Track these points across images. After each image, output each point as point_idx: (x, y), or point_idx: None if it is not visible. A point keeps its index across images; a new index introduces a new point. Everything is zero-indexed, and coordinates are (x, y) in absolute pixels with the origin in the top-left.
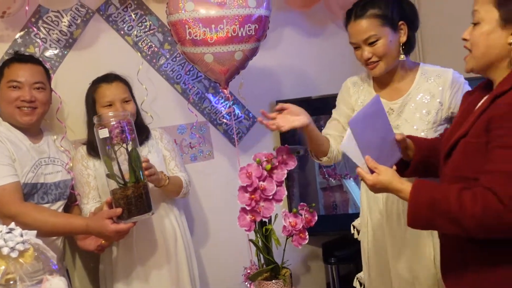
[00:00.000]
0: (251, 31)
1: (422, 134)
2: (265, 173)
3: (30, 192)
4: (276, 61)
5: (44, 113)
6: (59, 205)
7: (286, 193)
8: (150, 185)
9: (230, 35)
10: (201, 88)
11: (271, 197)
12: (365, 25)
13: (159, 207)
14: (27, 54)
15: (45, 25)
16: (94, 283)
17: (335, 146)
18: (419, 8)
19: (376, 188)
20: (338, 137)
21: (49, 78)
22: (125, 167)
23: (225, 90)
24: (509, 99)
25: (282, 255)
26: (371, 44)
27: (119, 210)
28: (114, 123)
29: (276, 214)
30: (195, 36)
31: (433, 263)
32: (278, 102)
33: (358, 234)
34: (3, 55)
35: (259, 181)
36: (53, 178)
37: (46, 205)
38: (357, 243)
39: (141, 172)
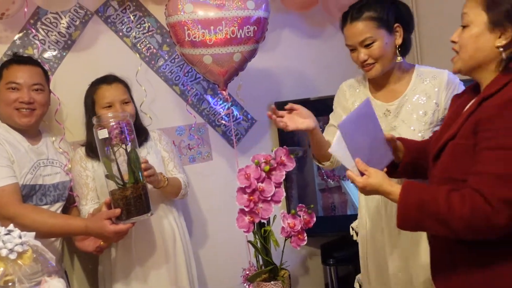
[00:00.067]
0: (250, 32)
1: (419, 135)
2: (264, 174)
3: (28, 193)
4: (274, 63)
5: (42, 114)
6: (57, 207)
7: (284, 194)
8: (149, 186)
9: (229, 37)
10: (199, 90)
11: (269, 199)
12: (361, 28)
13: (158, 208)
14: (25, 55)
15: (43, 27)
16: (93, 284)
17: None
18: (417, 10)
19: (366, 191)
20: None
21: (47, 79)
22: (124, 168)
23: (224, 92)
24: (496, 101)
25: (280, 256)
26: (367, 46)
27: (118, 211)
28: (113, 123)
29: (275, 215)
30: (194, 37)
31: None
32: (276, 103)
33: (357, 236)
34: (2, 56)
35: (258, 182)
36: (51, 179)
37: (45, 207)
38: (355, 244)
39: (140, 173)
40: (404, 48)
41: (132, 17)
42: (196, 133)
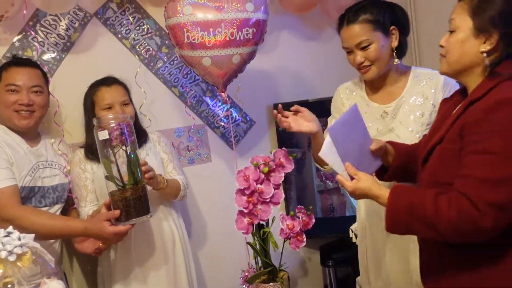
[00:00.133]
0: (249, 35)
1: (417, 136)
2: (263, 176)
3: (27, 195)
4: (273, 65)
5: (42, 116)
6: (56, 209)
7: (283, 196)
8: (148, 187)
9: (228, 39)
10: (198, 91)
11: (268, 200)
12: (357, 30)
13: (157, 209)
14: (24, 57)
15: (43, 29)
16: (92, 286)
17: None
18: (415, 12)
19: (355, 194)
20: None
21: (47, 81)
22: (124, 169)
23: (222, 94)
24: (482, 105)
25: (279, 257)
26: (364, 48)
27: (117, 212)
28: (113, 125)
29: (274, 217)
30: (193, 39)
31: None
32: (275, 105)
33: (356, 238)
34: (1, 58)
35: (257, 184)
36: (50, 181)
37: (44, 209)
38: (354, 246)
39: (139, 174)
40: (400, 51)
41: (131, 19)
42: (195, 134)
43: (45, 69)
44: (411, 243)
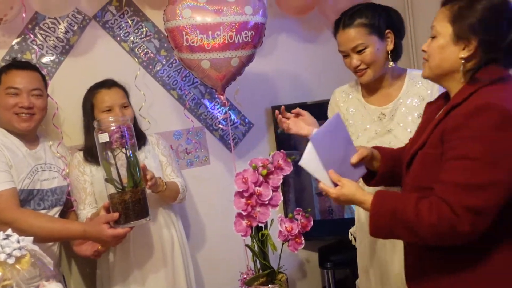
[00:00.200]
0: (247, 38)
1: None
2: (261, 178)
3: (26, 198)
4: (272, 67)
5: (41, 119)
6: (55, 211)
7: (282, 198)
8: (148, 190)
9: (226, 42)
10: (197, 94)
11: (267, 202)
12: (353, 34)
13: (156, 212)
14: (24, 60)
15: (41, 32)
16: None
17: None
18: (413, 15)
19: (340, 201)
20: None
21: (45, 84)
22: (123, 172)
23: (221, 96)
24: (462, 111)
25: (278, 260)
26: (359, 52)
27: (116, 215)
28: (114, 128)
29: (272, 219)
30: (192, 42)
31: None
32: (274, 107)
33: (356, 241)
34: (0, 61)
35: (255, 186)
36: (49, 184)
37: (43, 211)
38: (353, 248)
39: (139, 177)
40: (396, 54)
41: (130, 22)
42: (194, 137)
43: (44, 72)
44: None
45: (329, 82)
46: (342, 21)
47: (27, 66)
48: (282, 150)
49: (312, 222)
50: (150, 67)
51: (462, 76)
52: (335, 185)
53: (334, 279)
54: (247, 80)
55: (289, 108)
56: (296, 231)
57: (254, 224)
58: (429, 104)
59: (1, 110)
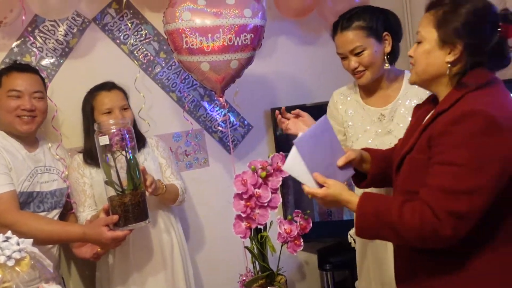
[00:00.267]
0: (246, 40)
1: None
2: (260, 180)
3: (26, 200)
4: (271, 69)
5: (42, 122)
6: (55, 214)
7: (281, 200)
8: (147, 193)
9: (226, 44)
10: (196, 96)
11: (266, 204)
12: (351, 37)
13: (156, 215)
14: (24, 63)
15: (41, 34)
16: None
17: None
18: (411, 17)
19: (327, 201)
20: None
21: (45, 87)
22: (123, 174)
23: (220, 98)
24: (448, 117)
25: (277, 262)
26: (357, 54)
27: (115, 217)
28: (114, 130)
29: (271, 221)
30: (192, 45)
31: None
32: (273, 109)
33: (355, 243)
34: (0, 64)
35: (254, 188)
36: (49, 186)
37: (42, 214)
38: (352, 249)
39: (139, 180)
40: (393, 56)
41: (129, 25)
42: (193, 139)
43: (44, 74)
44: None
45: (328, 84)
46: (340, 24)
47: (28, 68)
48: (281, 152)
49: (311, 224)
50: (150, 69)
51: (449, 81)
52: (321, 187)
53: (333, 281)
54: (246, 82)
55: (288, 110)
56: (295, 233)
57: (253, 226)
58: (417, 107)
59: (2, 112)
